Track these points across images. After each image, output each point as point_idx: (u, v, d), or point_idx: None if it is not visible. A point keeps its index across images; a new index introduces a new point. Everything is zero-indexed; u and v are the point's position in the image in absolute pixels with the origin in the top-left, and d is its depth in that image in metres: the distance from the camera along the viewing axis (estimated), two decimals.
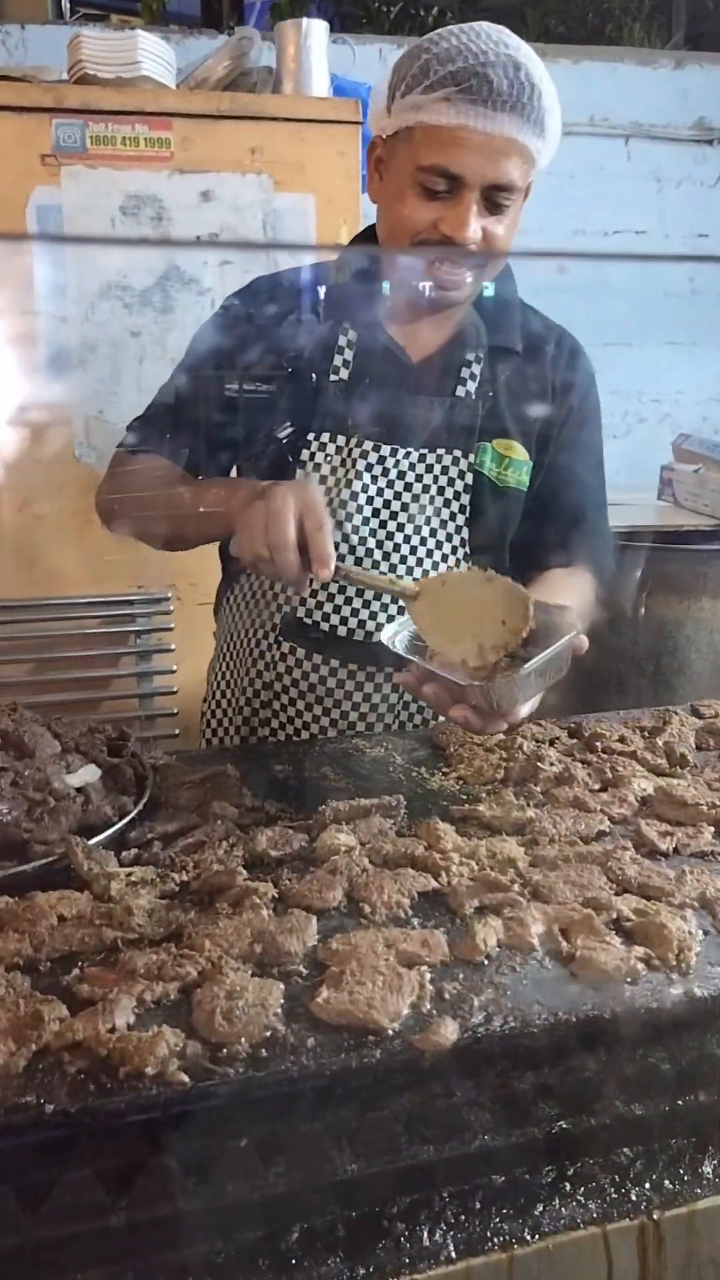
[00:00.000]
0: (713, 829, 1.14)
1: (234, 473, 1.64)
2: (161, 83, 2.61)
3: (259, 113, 2.64)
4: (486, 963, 0.91)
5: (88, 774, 1.21)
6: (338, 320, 1.57)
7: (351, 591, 1.53)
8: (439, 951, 0.91)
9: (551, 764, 1.28)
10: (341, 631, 1.54)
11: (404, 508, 1.54)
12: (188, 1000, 0.86)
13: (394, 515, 1.54)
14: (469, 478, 1.56)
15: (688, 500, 2.48)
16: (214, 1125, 0.78)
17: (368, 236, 1.61)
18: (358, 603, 1.53)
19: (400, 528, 1.54)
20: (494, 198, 1.38)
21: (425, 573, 1.55)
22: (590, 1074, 0.85)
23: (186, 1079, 0.77)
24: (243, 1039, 0.81)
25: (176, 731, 2.75)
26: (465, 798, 1.24)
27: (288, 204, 2.69)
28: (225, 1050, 0.80)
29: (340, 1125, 0.81)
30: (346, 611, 1.54)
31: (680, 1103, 0.87)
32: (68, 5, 4.40)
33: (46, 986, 0.88)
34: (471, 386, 1.57)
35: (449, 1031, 0.81)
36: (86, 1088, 0.77)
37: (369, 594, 1.53)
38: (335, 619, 1.54)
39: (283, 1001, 0.85)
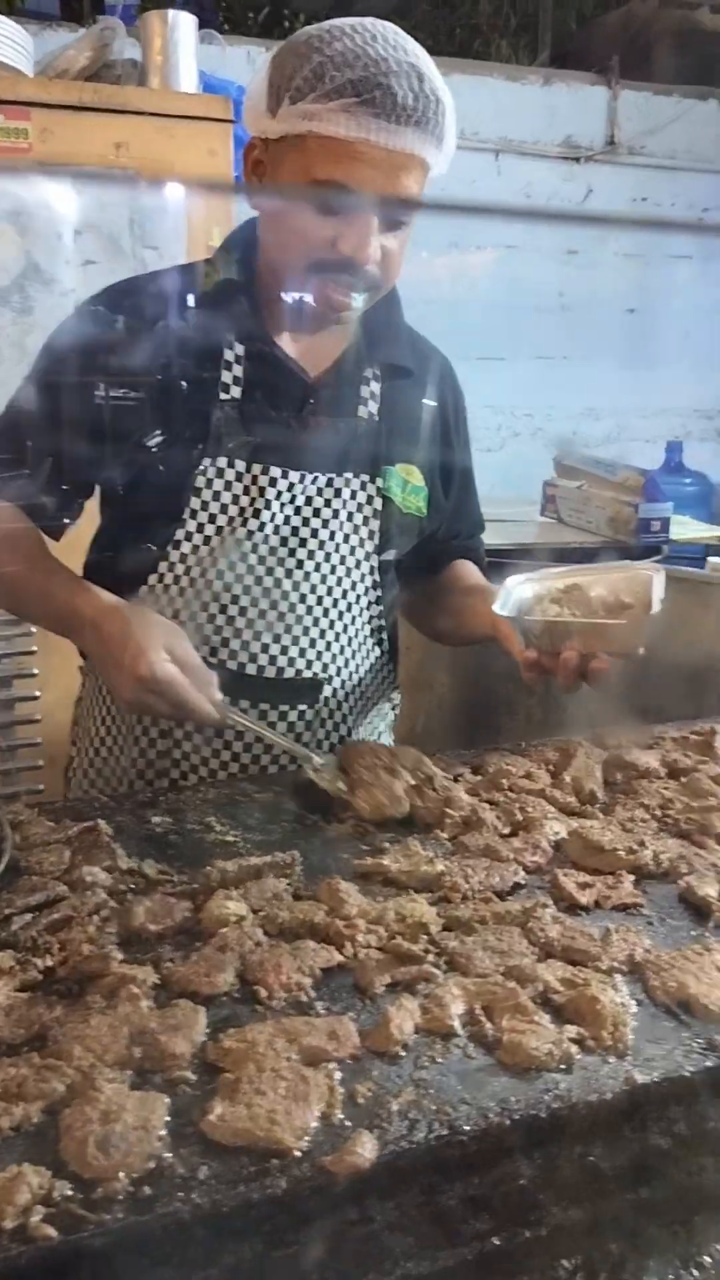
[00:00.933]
0: (633, 877, 1.06)
1: (97, 493, 1.49)
2: (17, 69, 2.44)
3: (124, 106, 2.49)
4: (403, 1053, 0.80)
5: None
6: (220, 331, 1.42)
7: (260, 625, 1.40)
8: (349, 1043, 0.80)
9: (459, 807, 1.19)
10: (251, 669, 1.41)
11: (313, 534, 1.43)
12: (55, 1123, 0.72)
13: (303, 543, 1.42)
14: (378, 503, 1.46)
15: (571, 517, 2.44)
16: None
17: (245, 235, 1.48)
18: (266, 636, 1.41)
19: (310, 555, 1.42)
20: (393, 215, 1.29)
21: (335, 603, 1.45)
22: (525, 1180, 0.75)
23: (53, 1232, 0.64)
24: (122, 1173, 0.68)
25: (40, 763, 2.56)
26: (367, 848, 1.13)
27: (154, 202, 2.54)
28: (101, 1189, 0.67)
29: (240, 1268, 0.68)
30: (256, 647, 1.40)
31: (622, 1202, 0.78)
32: None
33: None
34: (373, 406, 1.47)
35: (366, 1149, 0.69)
36: None
37: (277, 626, 1.41)
38: (243, 655, 1.40)
39: (168, 1119, 0.72)
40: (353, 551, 1.45)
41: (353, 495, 1.45)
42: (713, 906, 1.00)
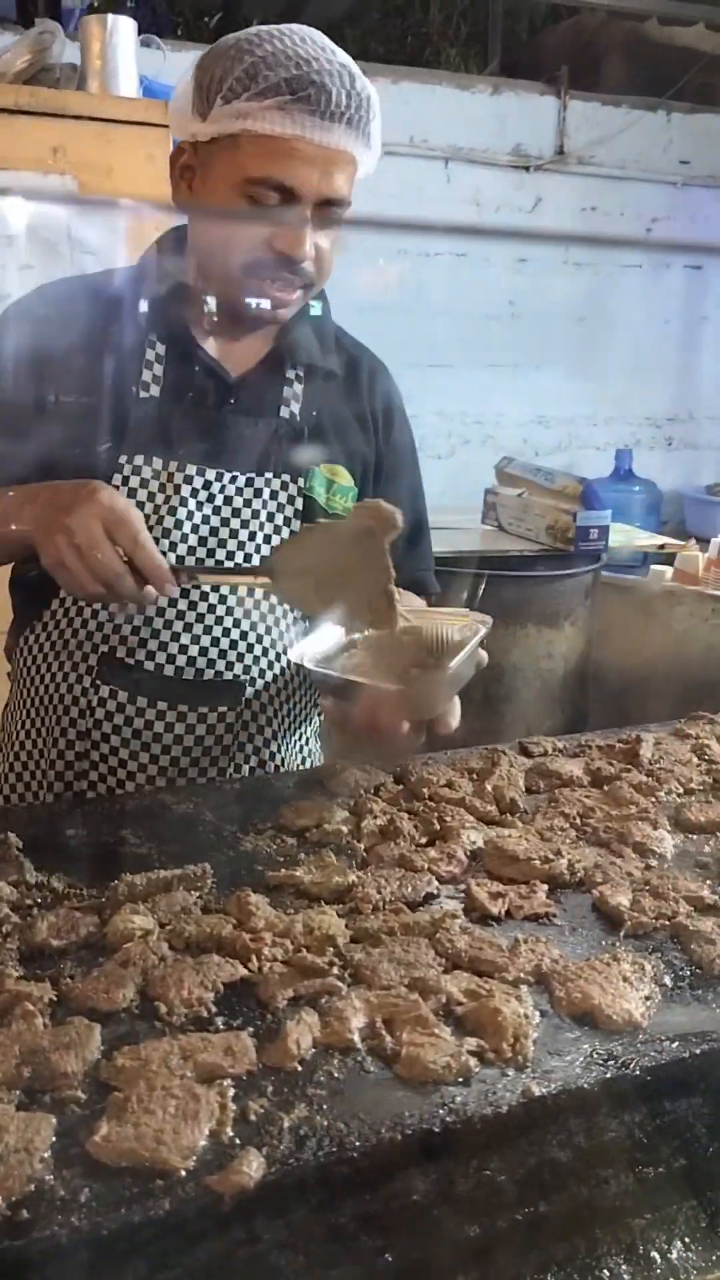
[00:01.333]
0: (546, 886, 1.06)
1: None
2: None
3: (61, 109, 2.48)
4: (300, 1068, 0.79)
5: None
6: (143, 331, 1.42)
7: (179, 626, 1.39)
8: (245, 1059, 0.79)
9: (375, 816, 1.18)
10: (169, 670, 1.39)
11: (233, 535, 1.42)
12: None
13: (222, 544, 1.42)
14: (299, 503, 1.46)
15: (511, 524, 2.45)
16: None
17: (174, 240, 1.48)
18: (186, 637, 1.40)
19: (229, 555, 1.42)
20: (325, 213, 1.31)
21: (257, 604, 1.44)
22: (419, 1196, 0.74)
23: None
24: (0, 1196, 0.66)
25: None
26: (283, 859, 1.12)
27: (94, 208, 2.52)
28: None
29: None
30: (174, 648, 1.39)
31: (519, 1217, 0.77)
32: None
33: None
34: (295, 407, 1.47)
35: (251, 1168, 0.68)
36: None
37: (197, 627, 1.40)
38: (161, 656, 1.39)
39: (54, 1140, 0.71)
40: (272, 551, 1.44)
41: (273, 495, 1.45)
42: (624, 916, 1.00)
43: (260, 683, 1.45)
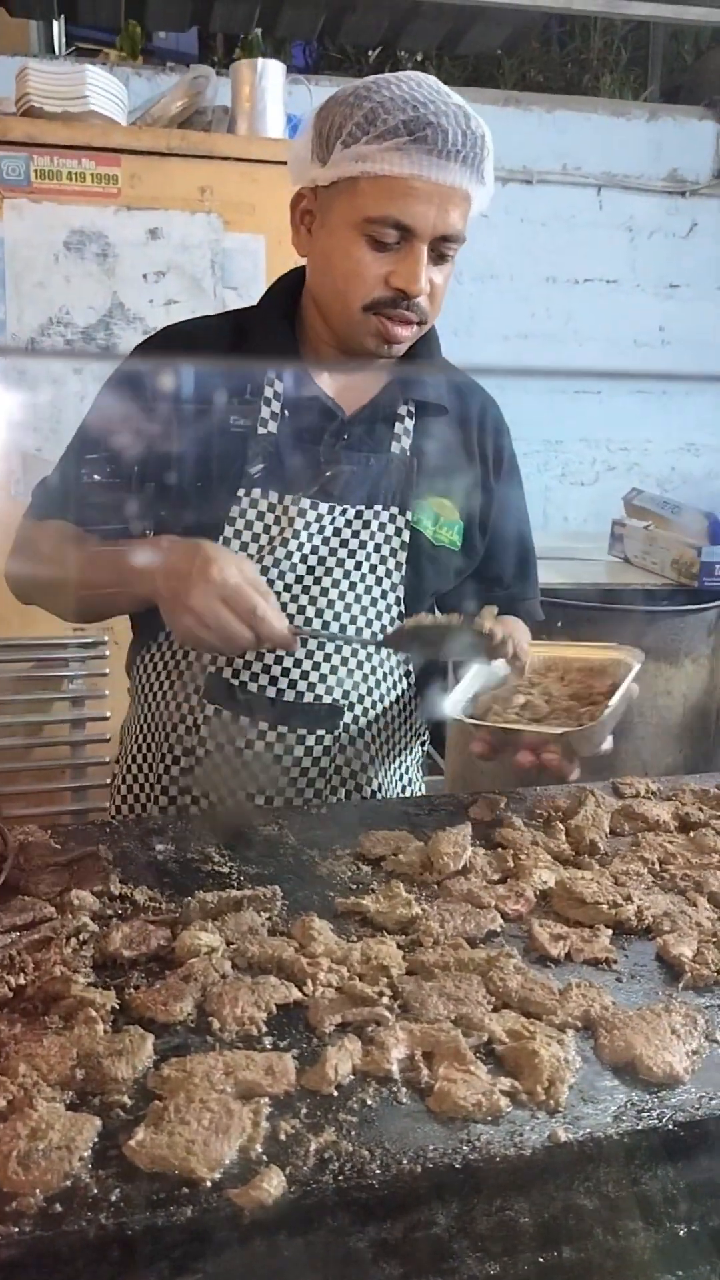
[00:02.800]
0: (611, 931, 1.05)
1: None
2: (110, 118, 2.56)
3: (210, 151, 2.60)
4: (336, 1094, 0.81)
5: None
6: (261, 370, 1.50)
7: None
8: (284, 1080, 0.82)
9: (453, 849, 1.19)
10: (270, 692, 1.45)
11: (339, 564, 1.48)
12: None
13: (329, 572, 1.48)
14: (406, 535, 1.51)
15: (637, 557, 2.42)
16: None
17: (292, 281, 1.54)
18: (288, 661, 1.45)
19: (335, 584, 1.48)
20: (440, 248, 1.35)
21: (360, 631, 1.48)
22: (439, 1229, 0.76)
23: None
24: (37, 1189, 0.71)
25: (109, 780, 2.65)
26: (355, 888, 1.15)
27: (237, 244, 2.63)
28: (15, 1203, 0.70)
29: None
30: (276, 670, 1.45)
31: (541, 1260, 0.78)
32: (61, 40, 4.38)
33: None
34: (406, 442, 1.52)
35: (272, 1185, 0.71)
36: None
37: (299, 650, 1.45)
38: (264, 679, 1.45)
39: (95, 1141, 0.76)
40: (379, 581, 1.49)
41: (380, 527, 1.50)
42: (685, 967, 0.98)
43: (359, 708, 1.49)
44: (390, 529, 1.50)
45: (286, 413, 1.48)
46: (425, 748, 1.69)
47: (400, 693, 1.56)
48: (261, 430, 1.47)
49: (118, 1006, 0.91)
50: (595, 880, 1.13)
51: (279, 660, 1.45)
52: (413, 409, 1.53)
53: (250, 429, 1.47)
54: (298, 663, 1.46)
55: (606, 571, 2.48)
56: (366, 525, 1.49)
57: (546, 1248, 0.78)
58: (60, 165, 2.51)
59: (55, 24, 4.31)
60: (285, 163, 2.63)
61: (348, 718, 1.49)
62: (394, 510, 1.50)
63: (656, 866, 1.19)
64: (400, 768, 1.61)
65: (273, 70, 2.69)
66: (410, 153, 1.29)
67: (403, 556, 1.51)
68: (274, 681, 1.46)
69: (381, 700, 1.53)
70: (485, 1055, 0.86)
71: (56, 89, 2.50)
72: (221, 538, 1.45)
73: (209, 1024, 0.89)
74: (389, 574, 1.50)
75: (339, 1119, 0.79)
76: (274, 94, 2.70)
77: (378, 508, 1.50)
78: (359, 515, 1.49)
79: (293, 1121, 0.78)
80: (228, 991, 0.92)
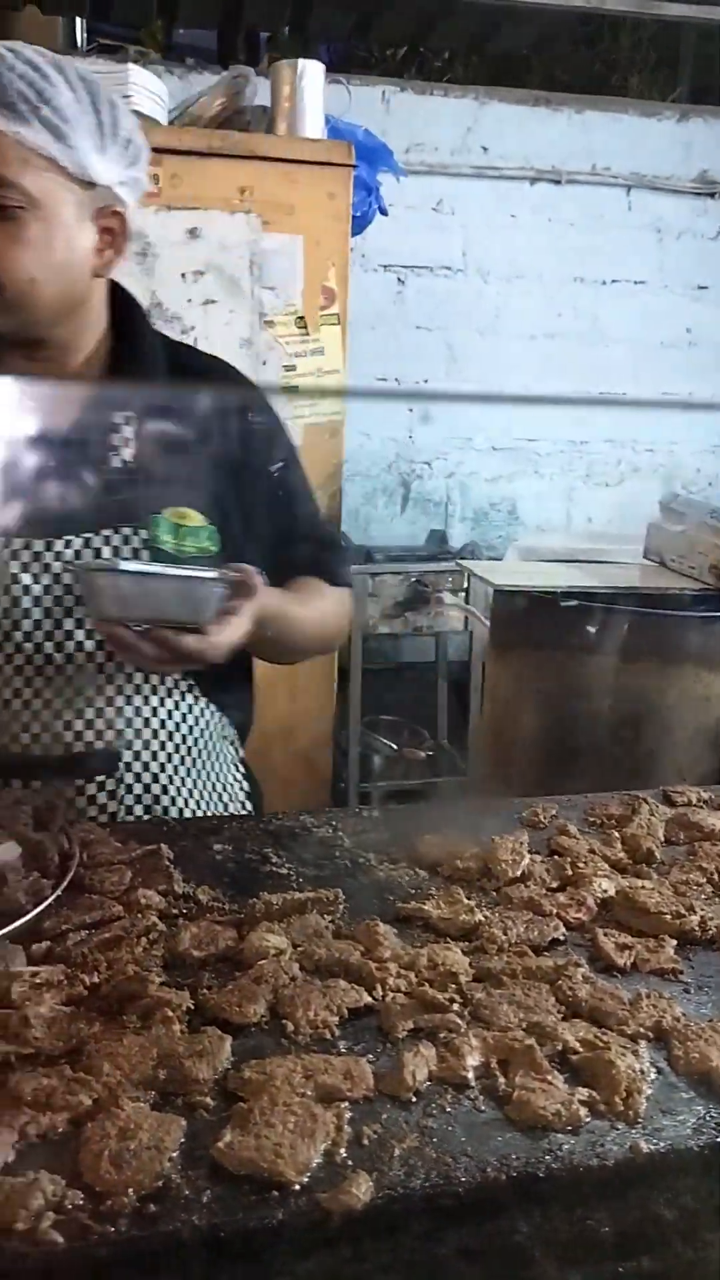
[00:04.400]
0: (675, 942, 1.05)
1: None
2: (152, 118, 2.57)
3: (250, 152, 2.60)
4: (414, 1100, 0.82)
5: (4, 852, 1.12)
6: None
7: (16, 704, 1.36)
8: (363, 1085, 0.83)
9: (512, 856, 1.20)
10: (15, 749, 1.36)
11: (79, 602, 1.34)
12: (77, 1134, 0.77)
13: (69, 612, 1.35)
14: (145, 556, 1.35)
15: (674, 561, 2.42)
16: None
17: None
18: (26, 715, 1.36)
19: (80, 624, 1.35)
20: None
21: (119, 665, 1.38)
22: (521, 1237, 0.76)
23: (59, 1238, 0.68)
24: (130, 1189, 0.72)
25: None
26: (414, 892, 1.15)
27: (275, 244, 2.63)
28: (110, 1202, 0.71)
29: None
30: (16, 727, 1.36)
31: (621, 1270, 0.78)
32: (83, 37, 4.38)
33: None
34: (127, 452, 1.36)
35: (361, 1190, 0.72)
36: None
37: (35, 703, 1.35)
38: (5, 737, 1.36)
39: (183, 1141, 0.77)
40: None
41: (115, 552, 1.35)
42: None
43: (138, 743, 1.40)
44: (127, 551, 1.35)
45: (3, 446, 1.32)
46: (237, 746, 1.61)
47: (188, 707, 1.46)
48: None
49: (192, 1007, 0.92)
50: (656, 890, 1.13)
51: (36, 716, 1.35)
52: (129, 414, 1.37)
53: None
54: (57, 714, 1.36)
55: (642, 575, 2.48)
56: (97, 555, 1.34)
57: (626, 1257, 0.78)
58: None
59: (78, 20, 4.31)
60: (324, 163, 2.65)
61: (127, 756, 1.39)
62: (127, 531, 1.35)
63: (715, 877, 1.19)
64: (214, 776, 1.52)
65: (312, 71, 2.70)
66: None
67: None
68: (36, 739, 1.35)
69: (165, 723, 1.43)
70: (559, 1064, 0.86)
71: None
72: None
73: (282, 1026, 0.90)
74: None
75: (421, 1125, 0.79)
76: (313, 94, 2.71)
77: (107, 533, 1.35)
78: (87, 544, 1.34)
79: (374, 1126, 0.79)
80: (299, 994, 0.93)
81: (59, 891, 1.07)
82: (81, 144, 1.23)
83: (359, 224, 2.81)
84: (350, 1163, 0.75)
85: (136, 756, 1.40)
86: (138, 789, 1.40)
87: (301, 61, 2.68)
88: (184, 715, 1.45)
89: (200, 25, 4.63)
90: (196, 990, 0.94)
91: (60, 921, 1.04)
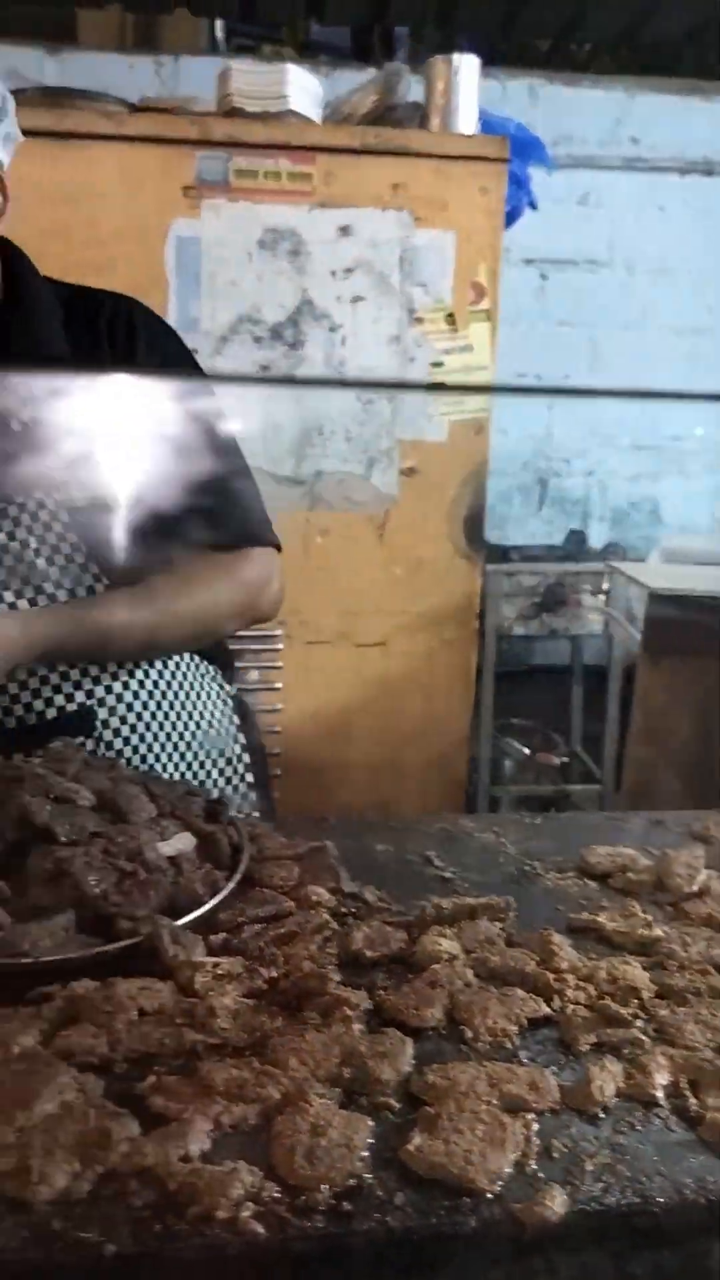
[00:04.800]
0: None
1: None
2: (307, 117, 2.59)
3: (403, 148, 2.60)
4: (602, 1115, 0.81)
5: (181, 843, 1.15)
6: None
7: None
8: (548, 1096, 0.82)
9: (687, 870, 1.17)
10: (10, 721, 1.35)
11: (11, 571, 1.31)
12: (266, 1126, 0.78)
13: (5, 584, 1.32)
14: (64, 515, 1.33)
15: None
16: None
17: None
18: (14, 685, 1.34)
19: (19, 594, 1.32)
20: None
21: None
22: (713, 1262, 0.74)
23: (260, 1229, 0.70)
24: (324, 1185, 0.73)
25: (277, 772, 2.70)
26: (585, 903, 1.14)
27: (427, 240, 2.63)
28: (304, 1196, 0.72)
29: None
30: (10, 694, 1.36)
31: None
32: (222, 36, 4.46)
33: (119, 1093, 0.81)
34: (26, 413, 1.31)
35: (556, 1203, 0.71)
36: (151, 1227, 0.70)
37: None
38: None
39: (370, 1141, 0.77)
40: (63, 569, 1.34)
41: (34, 516, 1.32)
42: None
43: (110, 699, 1.38)
44: (45, 514, 1.32)
45: None
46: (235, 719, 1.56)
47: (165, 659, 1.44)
48: None
49: (371, 1008, 0.92)
50: None
51: (3, 690, 1.33)
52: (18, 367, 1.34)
53: None
54: (24, 684, 1.34)
55: None
56: (17, 521, 1.32)
57: None
58: (257, 164, 2.55)
59: (218, 21, 4.38)
60: (478, 158, 2.63)
61: (102, 713, 1.37)
62: (40, 495, 1.32)
63: None
64: (203, 724, 1.48)
65: (468, 65, 2.67)
66: None
67: (74, 536, 1.33)
68: (8, 711, 1.34)
69: (143, 678, 1.41)
70: None
71: (257, 89, 2.54)
72: None
73: (460, 1032, 0.90)
74: (70, 559, 1.33)
75: (611, 1141, 0.78)
76: (468, 90, 2.68)
77: (22, 499, 1.32)
78: (4, 513, 1.31)
79: (564, 1140, 0.78)
80: (477, 1001, 0.93)
81: (233, 884, 1.09)
82: None
83: (508, 218, 2.78)
84: (542, 1175, 0.75)
85: (112, 712, 1.38)
86: (118, 744, 1.39)
87: (457, 56, 2.66)
88: (166, 668, 1.44)
89: (342, 22, 4.65)
90: (373, 991, 0.94)
91: (235, 914, 1.06)
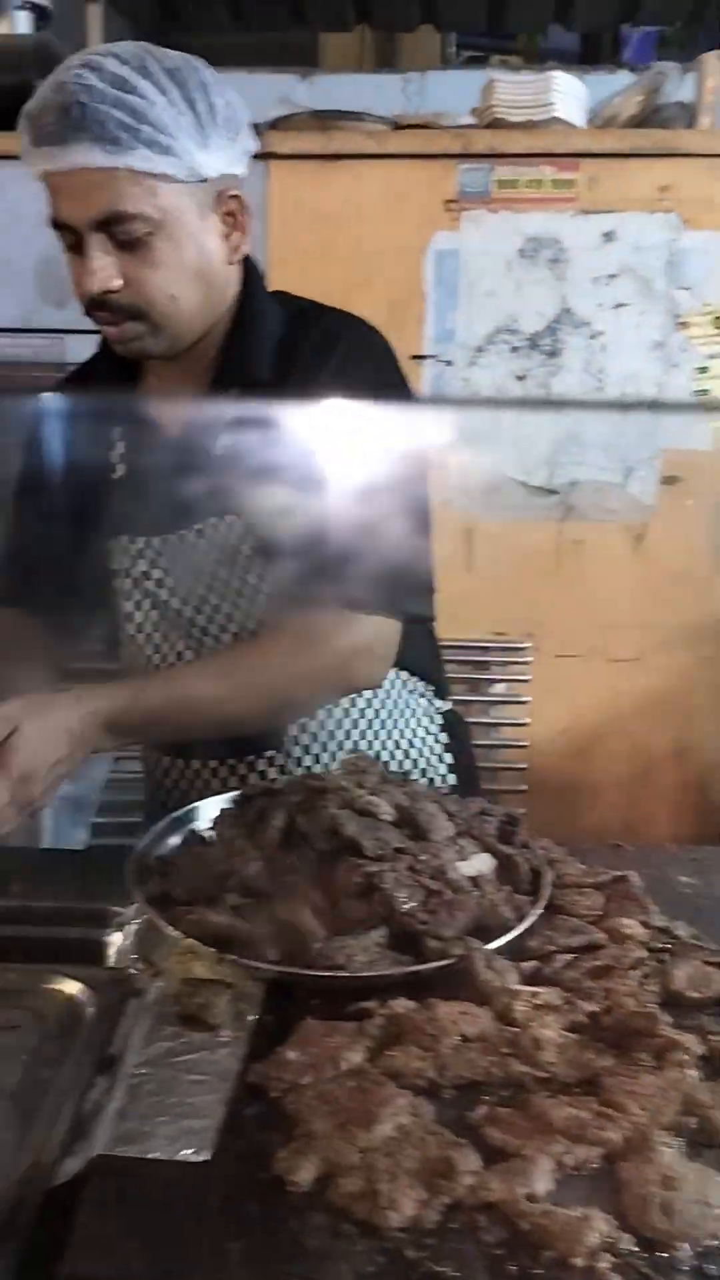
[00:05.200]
0: None
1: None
2: (572, 123, 2.55)
3: (672, 149, 2.51)
4: None
5: (481, 863, 1.13)
6: (104, 412, 1.44)
7: None
8: None
9: None
10: None
11: (208, 589, 1.36)
12: (610, 1172, 0.75)
13: (185, 601, 1.37)
14: (251, 539, 1.33)
15: None
16: None
17: None
18: None
19: (198, 610, 1.37)
20: (116, 234, 1.20)
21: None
22: None
23: None
24: (684, 1243, 0.69)
25: (524, 787, 2.67)
26: None
27: (695, 243, 2.53)
28: (664, 1253, 0.69)
29: None
30: None
31: None
32: (454, 50, 4.49)
33: (452, 1121, 0.80)
34: (228, 439, 1.34)
35: None
36: (505, 1267, 0.68)
37: None
38: None
39: None
40: (240, 595, 1.36)
41: (223, 538, 1.35)
42: None
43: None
44: (233, 536, 1.33)
45: (128, 452, 1.41)
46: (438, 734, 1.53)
47: None
48: (114, 476, 1.42)
49: (705, 1054, 0.87)
50: None
51: None
52: (236, 396, 1.35)
53: (106, 480, 1.42)
54: None
55: None
56: (209, 541, 1.35)
57: None
58: (519, 173, 2.52)
59: (450, 35, 4.40)
60: None
61: (293, 729, 1.40)
62: (232, 517, 1.34)
63: None
64: (403, 744, 1.48)
65: None
66: (31, 152, 1.18)
67: (256, 563, 1.34)
68: None
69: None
70: None
71: (522, 98, 2.52)
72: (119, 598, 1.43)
73: None
74: (258, 581, 1.35)
75: None
76: None
77: (213, 520, 1.34)
78: (200, 534, 1.35)
79: None
80: None
81: (539, 910, 1.06)
82: (186, 146, 1.20)
83: None
84: None
85: (303, 729, 1.41)
86: (307, 760, 1.41)
87: None
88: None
89: (591, 27, 4.58)
90: (705, 1035, 0.90)
91: (544, 942, 1.04)
